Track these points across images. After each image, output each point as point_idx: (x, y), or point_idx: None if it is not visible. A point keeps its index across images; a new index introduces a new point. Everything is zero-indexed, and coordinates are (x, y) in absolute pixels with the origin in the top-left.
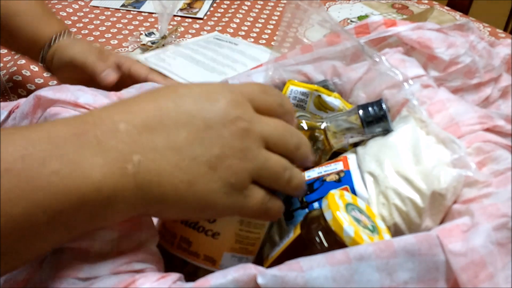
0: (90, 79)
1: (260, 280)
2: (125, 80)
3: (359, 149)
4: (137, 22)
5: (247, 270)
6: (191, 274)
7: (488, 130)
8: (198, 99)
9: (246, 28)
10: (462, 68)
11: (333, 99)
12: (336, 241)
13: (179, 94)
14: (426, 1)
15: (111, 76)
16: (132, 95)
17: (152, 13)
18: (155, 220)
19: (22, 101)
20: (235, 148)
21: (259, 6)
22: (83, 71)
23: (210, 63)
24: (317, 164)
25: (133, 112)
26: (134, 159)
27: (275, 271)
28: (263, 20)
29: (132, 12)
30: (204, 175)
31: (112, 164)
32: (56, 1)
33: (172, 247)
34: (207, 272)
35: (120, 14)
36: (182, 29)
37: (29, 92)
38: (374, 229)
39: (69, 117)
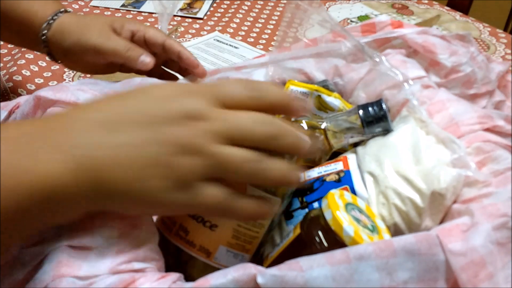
0: (116, 64)
1: (260, 280)
2: (142, 47)
3: (359, 149)
4: None
5: (247, 269)
6: (185, 264)
7: (488, 130)
8: (158, 99)
9: (246, 28)
10: (462, 76)
11: (333, 99)
12: (336, 241)
13: (145, 94)
14: (426, 1)
15: (148, 62)
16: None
17: (152, 13)
18: (154, 217)
19: (22, 100)
20: (182, 146)
21: (259, 6)
22: (111, 57)
23: (211, 69)
24: (317, 164)
25: (98, 110)
26: (88, 154)
27: (275, 270)
28: (263, 20)
29: (132, 12)
30: (149, 172)
31: (68, 159)
32: None
33: (170, 234)
34: (201, 263)
35: (120, 14)
36: (182, 29)
37: (29, 92)
38: (373, 229)
39: (41, 117)
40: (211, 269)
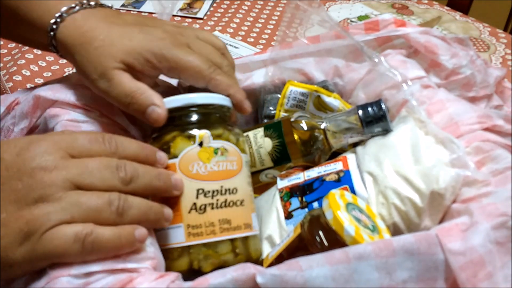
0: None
1: (259, 280)
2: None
3: (359, 149)
4: None
5: (246, 269)
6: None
7: (487, 129)
8: (16, 151)
9: (246, 28)
10: (462, 79)
11: (332, 100)
12: (336, 240)
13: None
14: (426, 1)
15: (156, 116)
16: None
17: (152, 13)
18: None
19: (20, 96)
20: (29, 198)
21: (259, 6)
22: (115, 103)
23: None
24: (317, 164)
25: None
26: None
27: (274, 270)
28: (263, 20)
29: (132, 12)
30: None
31: None
32: None
33: (216, 235)
34: (240, 241)
35: None
36: None
37: None
38: (374, 229)
39: None
40: (253, 240)
